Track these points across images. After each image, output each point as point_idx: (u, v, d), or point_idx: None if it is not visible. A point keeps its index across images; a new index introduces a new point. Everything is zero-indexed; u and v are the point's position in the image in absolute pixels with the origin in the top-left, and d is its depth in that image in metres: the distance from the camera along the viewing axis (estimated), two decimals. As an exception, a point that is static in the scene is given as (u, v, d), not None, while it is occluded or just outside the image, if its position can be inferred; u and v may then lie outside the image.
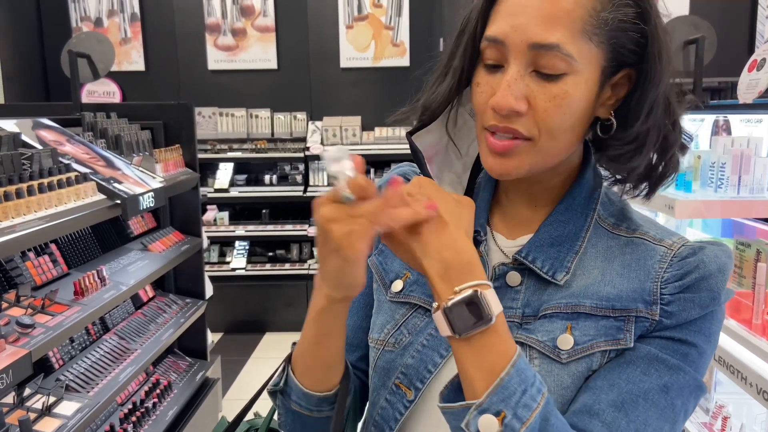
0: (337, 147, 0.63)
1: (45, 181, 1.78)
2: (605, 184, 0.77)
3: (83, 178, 1.97)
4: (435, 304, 0.62)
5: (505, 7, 0.68)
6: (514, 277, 0.75)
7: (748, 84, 2.23)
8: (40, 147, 2.02)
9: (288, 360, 0.79)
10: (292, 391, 0.77)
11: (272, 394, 0.81)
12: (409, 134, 0.79)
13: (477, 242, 0.77)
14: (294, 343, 0.78)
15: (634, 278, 0.70)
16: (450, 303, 0.60)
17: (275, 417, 0.85)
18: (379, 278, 0.84)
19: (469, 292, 0.60)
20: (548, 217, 0.75)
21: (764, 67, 2.19)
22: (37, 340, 1.65)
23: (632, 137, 0.69)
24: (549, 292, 0.72)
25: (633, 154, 0.70)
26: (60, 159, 2.00)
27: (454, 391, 0.64)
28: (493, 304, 0.60)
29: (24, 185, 1.69)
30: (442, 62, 0.77)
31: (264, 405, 0.85)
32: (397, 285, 0.81)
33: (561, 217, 0.75)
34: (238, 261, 4.92)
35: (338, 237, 0.61)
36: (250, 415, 0.87)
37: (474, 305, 0.60)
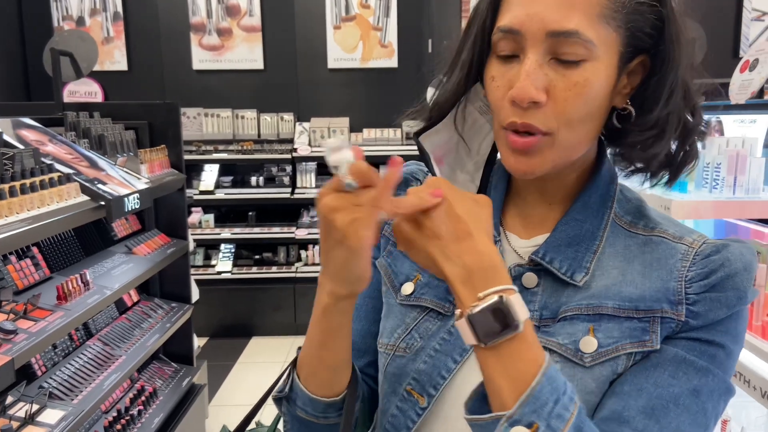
0: (336, 137, 0.59)
1: (27, 181, 1.72)
2: (623, 174, 0.75)
3: (66, 178, 1.91)
4: (458, 311, 0.59)
5: None
6: (530, 279, 0.71)
7: (741, 84, 2.23)
8: (21, 147, 1.95)
9: (293, 365, 0.75)
10: (297, 397, 0.74)
11: (277, 401, 0.77)
12: (416, 135, 0.76)
13: None
14: (299, 348, 0.75)
15: (657, 278, 0.68)
16: (474, 310, 0.57)
17: (280, 425, 0.81)
18: (389, 281, 0.80)
19: (494, 298, 0.57)
20: (564, 216, 0.73)
21: (756, 68, 2.19)
22: (20, 346, 1.59)
23: (652, 122, 0.67)
24: (567, 293, 0.70)
25: (654, 140, 0.68)
26: (42, 159, 1.94)
27: (480, 401, 0.60)
28: (520, 309, 0.57)
29: (5, 186, 1.62)
30: (449, 59, 0.74)
31: (266, 413, 0.81)
32: (408, 288, 0.77)
33: (577, 216, 0.72)
34: (223, 264, 4.85)
35: (342, 226, 0.58)
36: (251, 424, 0.82)
37: (499, 312, 0.57)
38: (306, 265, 4.83)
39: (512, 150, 0.67)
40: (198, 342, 3.81)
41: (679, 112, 0.67)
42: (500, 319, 0.57)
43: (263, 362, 4.35)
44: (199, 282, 4.38)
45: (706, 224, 2.27)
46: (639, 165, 0.72)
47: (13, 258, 1.94)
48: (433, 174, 0.75)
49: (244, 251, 4.98)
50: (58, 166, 1.97)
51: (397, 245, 0.63)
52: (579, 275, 0.69)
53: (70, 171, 1.99)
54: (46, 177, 1.81)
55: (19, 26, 4.98)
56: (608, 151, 0.76)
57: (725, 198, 1.82)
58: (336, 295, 0.65)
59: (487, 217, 0.63)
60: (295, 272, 4.79)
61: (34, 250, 2.06)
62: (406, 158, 0.72)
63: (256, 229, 4.86)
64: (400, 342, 0.75)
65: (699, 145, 0.73)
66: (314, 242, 4.84)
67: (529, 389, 0.55)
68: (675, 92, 0.66)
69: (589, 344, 0.66)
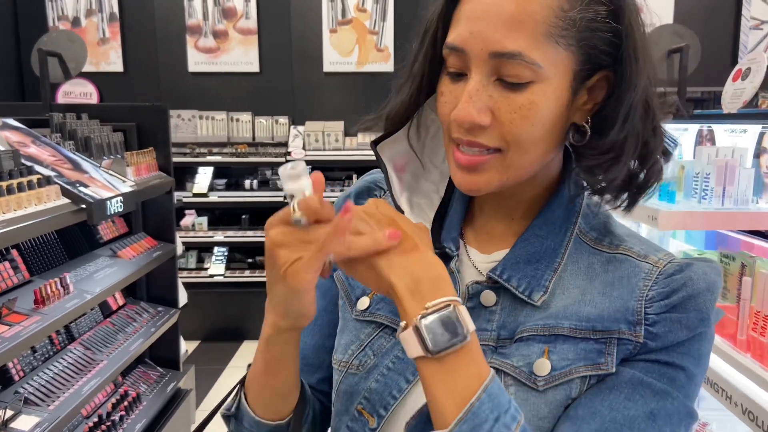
0: (294, 162, 0.56)
1: (4, 184, 1.69)
2: (587, 194, 0.71)
3: (46, 181, 1.88)
4: (402, 323, 0.57)
5: (465, 10, 0.62)
6: (488, 297, 0.69)
7: (733, 93, 2.21)
8: (2, 148, 1.93)
9: (241, 384, 0.72)
10: (244, 417, 0.71)
11: (226, 418, 0.75)
12: (374, 143, 0.73)
13: (448, 257, 0.71)
14: (249, 365, 0.72)
15: (617, 297, 0.65)
16: (423, 319, 0.55)
17: None
18: (345, 295, 0.77)
19: (443, 306, 0.56)
20: (525, 232, 0.70)
21: (749, 77, 2.17)
22: (-9, 352, 1.56)
23: (608, 146, 0.63)
24: (526, 313, 0.67)
25: (610, 165, 0.64)
26: (23, 161, 1.91)
27: (423, 422, 0.58)
28: (468, 320, 0.56)
29: (-20, 188, 1.60)
30: (407, 67, 0.71)
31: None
32: (364, 302, 0.74)
33: (538, 232, 0.69)
34: (216, 267, 4.82)
35: (284, 264, 0.55)
36: None
37: (449, 321, 0.55)
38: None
39: (458, 165, 0.65)
40: (189, 346, 3.79)
41: (638, 134, 0.64)
42: (450, 328, 0.55)
43: (254, 367, 4.32)
44: (191, 285, 4.36)
45: (697, 235, 2.24)
46: (598, 187, 0.68)
47: (-10, 261, 1.92)
48: (389, 185, 0.72)
49: (237, 254, 4.96)
50: (38, 168, 1.95)
51: (339, 267, 0.60)
52: (537, 294, 0.67)
53: (51, 173, 1.96)
54: (24, 179, 1.78)
55: (14, 26, 4.97)
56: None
57: (714, 209, 1.79)
58: (277, 328, 0.63)
59: (428, 240, 0.62)
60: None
61: (14, 252, 2.04)
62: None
63: (250, 233, 4.83)
64: (354, 359, 0.72)
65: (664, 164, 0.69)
66: (307, 246, 4.81)
67: (468, 405, 0.53)
68: (632, 114, 0.62)
69: (542, 367, 0.63)
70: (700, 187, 1.85)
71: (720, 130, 2.20)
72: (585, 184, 0.68)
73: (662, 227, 1.79)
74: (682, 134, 2.39)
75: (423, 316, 0.55)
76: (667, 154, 0.67)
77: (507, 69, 0.59)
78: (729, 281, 1.66)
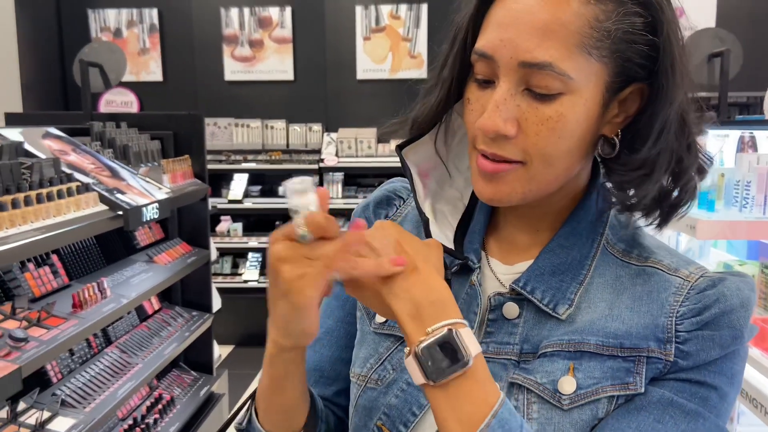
0: (301, 177, 0.55)
1: (44, 191, 1.75)
2: (614, 210, 0.69)
3: (85, 188, 1.94)
4: (407, 349, 0.56)
5: (496, 15, 0.60)
6: (511, 309, 0.67)
7: (776, 99, 2.13)
8: (43, 156, 1.99)
9: (252, 398, 0.72)
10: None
11: (238, 431, 0.74)
12: (399, 148, 0.73)
13: (470, 269, 0.70)
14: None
15: (646, 312, 0.62)
16: (422, 345, 0.54)
17: None
18: (363, 306, 0.77)
19: (443, 331, 0.54)
20: (550, 242, 0.68)
21: (793, 81, 2.09)
22: (29, 354, 1.60)
23: (639, 162, 0.61)
24: (550, 326, 0.65)
25: (641, 181, 0.61)
26: (62, 169, 1.97)
27: None
28: (470, 344, 0.54)
29: (21, 195, 1.65)
30: (436, 71, 0.70)
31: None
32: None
33: (564, 243, 0.67)
34: (250, 273, 4.88)
35: (288, 280, 0.54)
36: None
37: (448, 346, 0.54)
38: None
39: (481, 173, 0.63)
40: (222, 350, 3.84)
41: (672, 150, 0.61)
42: (449, 353, 0.54)
43: (286, 372, 4.35)
44: (225, 290, 4.42)
45: (738, 245, 2.17)
46: (628, 204, 0.66)
47: (31, 266, 1.98)
48: (414, 190, 0.71)
49: (271, 260, 5.01)
50: (78, 176, 2.00)
51: (345, 289, 0.60)
52: (562, 307, 0.65)
53: (90, 180, 2.02)
54: (64, 186, 1.84)
55: (58, 38, 5.14)
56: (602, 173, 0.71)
57: (754, 218, 1.73)
58: (280, 346, 0.62)
59: (437, 257, 0.61)
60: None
61: (54, 258, 2.10)
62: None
63: (283, 239, 4.88)
64: (372, 373, 0.71)
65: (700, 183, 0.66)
66: (340, 253, 4.83)
67: None
68: (666, 130, 0.60)
69: (568, 385, 0.61)
70: (740, 195, 1.79)
71: (762, 136, 2.12)
72: (614, 200, 0.65)
73: (700, 236, 1.74)
74: (723, 141, 2.32)
75: (422, 343, 0.54)
76: (702, 172, 0.64)
77: (536, 79, 0.58)
78: (771, 293, 1.60)
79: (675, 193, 0.64)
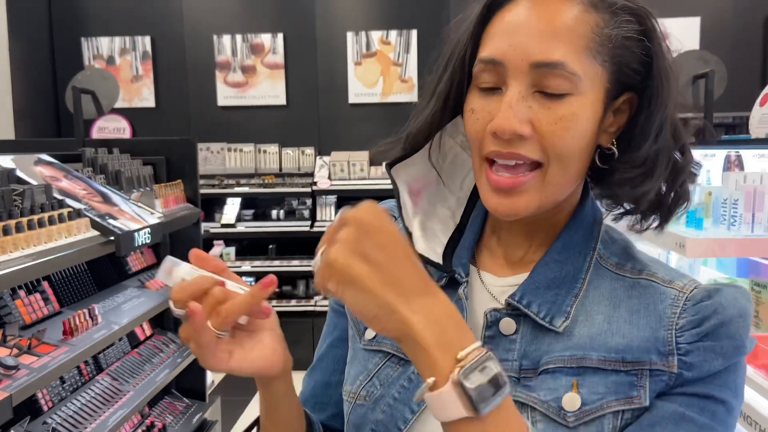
0: (165, 259, 0.60)
1: (35, 217, 1.74)
2: (611, 218, 0.71)
3: (77, 214, 1.94)
4: (431, 380, 0.50)
5: (499, 26, 0.63)
6: (508, 325, 0.67)
7: (761, 118, 2.17)
8: (34, 183, 1.99)
9: (257, 423, 0.73)
10: None
11: None
12: (389, 166, 0.73)
13: (457, 283, 0.70)
14: None
15: (645, 325, 0.63)
16: (464, 374, 0.49)
17: None
18: (354, 324, 0.77)
19: (478, 355, 0.50)
20: (544, 257, 0.68)
21: (776, 101, 2.13)
22: (20, 382, 1.58)
23: (642, 159, 0.64)
24: (548, 341, 0.65)
25: (643, 178, 0.64)
26: (54, 195, 1.97)
27: None
28: (500, 365, 0.51)
29: (12, 222, 1.65)
30: (427, 90, 0.71)
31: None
32: (371, 332, 0.74)
33: (557, 257, 0.68)
34: (244, 297, 4.85)
35: (195, 354, 0.59)
36: None
37: (488, 371, 0.49)
38: (325, 299, 4.81)
39: (494, 190, 0.64)
40: (214, 377, 3.80)
41: (668, 150, 0.64)
42: (491, 379, 0.49)
43: (280, 398, 4.31)
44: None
45: (728, 262, 2.18)
46: (628, 206, 0.68)
47: (22, 293, 1.96)
48: (400, 209, 0.72)
49: (265, 285, 4.99)
50: (69, 202, 2.00)
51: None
52: (558, 320, 0.65)
53: (82, 206, 2.02)
54: (55, 212, 1.83)
55: (51, 66, 5.17)
56: (592, 192, 0.72)
57: (743, 235, 1.75)
58: (258, 382, 0.67)
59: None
60: (314, 306, 4.77)
61: (45, 284, 2.08)
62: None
63: (276, 262, 4.87)
64: (361, 390, 0.72)
65: (691, 187, 0.69)
66: (334, 276, 4.82)
67: None
68: (664, 129, 0.64)
69: (572, 402, 0.61)
70: (728, 214, 1.81)
71: (748, 155, 2.16)
72: (611, 201, 0.68)
73: (690, 255, 1.75)
74: (709, 160, 2.35)
75: (463, 370, 0.49)
76: (693, 176, 0.67)
77: (547, 80, 0.60)
78: (761, 310, 1.62)
79: (672, 195, 0.67)
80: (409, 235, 0.69)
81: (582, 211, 0.70)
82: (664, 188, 0.66)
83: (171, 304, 0.58)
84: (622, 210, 0.69)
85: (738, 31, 4.73)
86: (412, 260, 0.52)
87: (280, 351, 0.65)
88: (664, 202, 0.67)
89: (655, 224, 0.68)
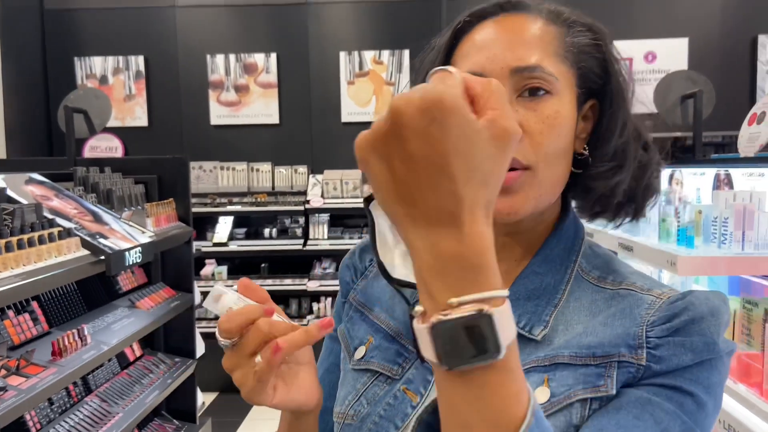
0: (214, 287, 0.62)
1: (25, 237, 1.73)
2: (586, 219, 0.75)
3: (67, 233, 1.92)
4: (419, 308, 0.45)
5: (470, 46, 0.67)
6: None
7: (749, 137, 2.19)
8: (25, 202, 1.98)
9: None
10: None
11: None
12: (366, 200, 0.72)
13: None
14: None
15: (619, 326, 0.64)
16: (441, 321, 0.43)
17: None
18: (345, 346, 0.78)
19: (471, 310, 0.43)
20: (524, 270, 0.70)
21: (764, 121, 2.16)
22: (8, 404, 1.56)
23: (612, 152, 0.68)
24: (528, 350, 0.65)
25: (616, 170, 0.69)
26: (45, 214, 1.96)
27: None
28: (505, 329, 0.43)
29: (2, 241, 1.64)
30: None
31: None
32: (360, 351, 0.75)
33: (537, 269, 0.69)
34: (235, 316, 4.82)
35: (241, 388, 0.60)
36: None
37: (477, 331, 0.42)
38: (318, 317, 4.78)
39: None
40: (205, 398, 3.76)
41: (634, 144, 0.69)
42: (477, 340, 0.42)
43: (272, 419, 4.25)
44: (210, 335, 4.34)
45: (720, 281, 2.19)
46: (598, 208, 0.72)
47: (11, 313, 1.94)
48: (374, 243, 0.63)
49: (257, 304, 4.96)
50: (60, 221, 1.99)
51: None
52: (537, 329, 0.66)
53: (72, 225, 2.00)
54: (45, 232, 1.82)
55: (44, 85, 5.18)
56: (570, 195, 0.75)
57: (733, 254, 1.76)
58: (290, 414, 0.69)
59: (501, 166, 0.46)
60: (307, 325, 4.73)
61: (34, 304, 2.06)
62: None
63: (269, 281, 4.85)
64: (349, 409, 0.72)
65: (660, 182, 0.73)
66: (326, 294, 4.80)
67: None
68: (628, 123, 0.69)
69: (541, 395, 0.62)
70: (719, 232, 1.82)
71: (737, 174, 2.17)
72: (588, 196, 0.71)
73: (681, 273, 1.76)
74: (699, 178, 2.37)
75: (445, 314, 0.43)
76: (657, 170, 0.72)
77: (529, 83, 0.64)
78: (753, 328, 1.62)
79: (643, 185, 0.71)
80: (381, 266, 0.60)
81: (562, 226, 0.71)
82: (634, 181, 0.71)
83: (217, 333, 0.59)
84: (595, 210, 0.73)
85: (726, 51, 4.80)
86: (445, 182, 0.43)
87: (317, 385, 0.68)
88: (636, 195, 0.71)
89: (628, 219, 0.73)
